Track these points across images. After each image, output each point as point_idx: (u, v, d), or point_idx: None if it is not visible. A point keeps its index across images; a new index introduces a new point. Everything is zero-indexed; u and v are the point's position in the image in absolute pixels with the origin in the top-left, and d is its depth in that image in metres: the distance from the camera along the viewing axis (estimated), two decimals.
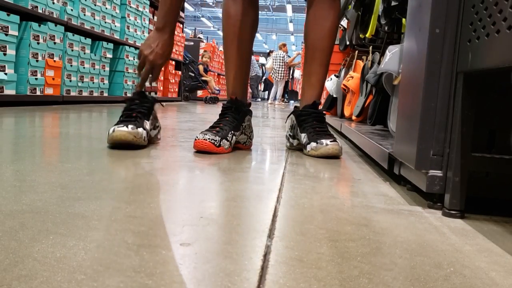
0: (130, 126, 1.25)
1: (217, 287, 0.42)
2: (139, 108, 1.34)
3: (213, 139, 1.29)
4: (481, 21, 0.67)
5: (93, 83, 3.98)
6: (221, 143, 1.30)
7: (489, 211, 0.81)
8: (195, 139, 1.30)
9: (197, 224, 0.61)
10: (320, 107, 1.50)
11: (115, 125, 1.27)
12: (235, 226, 0.61)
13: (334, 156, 1.38)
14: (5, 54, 2.78)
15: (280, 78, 10.05)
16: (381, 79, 1.79)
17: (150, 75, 1.42)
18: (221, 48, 9.76)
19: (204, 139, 1.28)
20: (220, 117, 1.42)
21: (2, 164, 0.94)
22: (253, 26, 1.52)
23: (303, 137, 1.45)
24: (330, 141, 1.37)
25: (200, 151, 1.31)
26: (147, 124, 1.35)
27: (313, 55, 1.54)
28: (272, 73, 10.20)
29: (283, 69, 10.00)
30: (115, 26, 4.39)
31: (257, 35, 27.63)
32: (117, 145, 1.26)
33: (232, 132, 1.36)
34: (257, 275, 0.45)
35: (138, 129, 1.27)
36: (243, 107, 1.44)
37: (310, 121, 1.46)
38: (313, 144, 1.38)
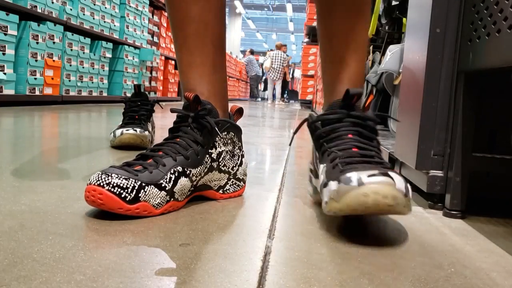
0: (138, 130, 1.28)
1: None
2: (141, 110, 1.37)
3: (117, 186, 0.59)
4: (481, 20, 0.67)
5: (92, 82, 3.97)
6: (139, 194, 0.61)
7: (490, 212, 0.80)
8: (87, 184, 0.60)
9: (196, 224, 0.61)
10: (364, 102, 0.70)
11: (121, 127, 1.28)
12: (235, 226, 0.61)
13: (387, 212, 0.56)
14: (4, 54, 2.78)
15: (277, 78, 10.33)
16: (381, 79, 1.79)
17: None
18: None
19: (101, 185, 0.59)
20: (168, 137, 0.72)
21: (1, 164, 0.93)
22: None
23: (321, 171, 0.67)
24: (375, 175, 0.55)
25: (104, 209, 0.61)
26: (150, 127, 1.38)
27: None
28: (271, 72, 10.39)
29: (281, 69, 10.29)
30: (115, 25, 4.39)
31: (257, 34, 27.66)
32: (122, 146, 1.28)
33: (180, 168, 0.66)
34: (257, 276, 0.45)
35: (145, 132, 1.30)
36: (215, 117, 0.72)
37: (340, 135, 0.67)
38: (332, 185, 0.59)
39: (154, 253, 0.49)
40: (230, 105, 0.82)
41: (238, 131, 0.79)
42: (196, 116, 0.71)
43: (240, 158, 0.79)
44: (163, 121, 2.47)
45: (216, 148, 0.73)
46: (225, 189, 0.77)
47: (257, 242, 0.55)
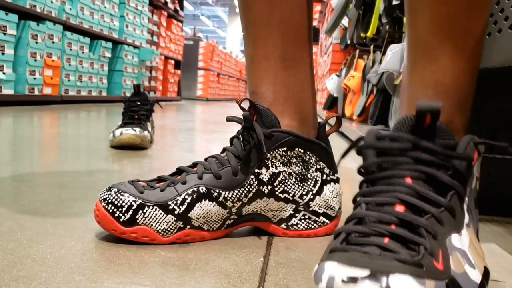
0: (137, 130, 1.27)
1: None
2: (140, 110, 1.36)
3: (111, 203, 0.51)
4: None
5: (92, 82, 3.97)
6: (136, 216, 0.51)
7: (490, 212, 0.80)
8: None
9: None
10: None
11: (120, 127, 1.28)
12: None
13: None
14: (3, 54, 2.78)
15: None
16: (382, 78, 1.79)
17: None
18: (221, 47, 9.74)
19: (101, 200, 0.52)
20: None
21: (1, 164, 0.93)
22: None
23: None
24: (358, 279, 0.29)
25: None
26: (149, 126, 1.37)
27: None
28: None
29: None
30: (114, 25, 4.38)
31: None
32: (121, 146, 1.27)
33: (204, 188, 0.53)
34: (257, 276, 0.45)
35: (144, 132, 1.29)
36: (271, 126, 0.56)
37: (392, 176, 0.38)
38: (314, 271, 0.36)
39: (153, 253, 0.49)
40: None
41: (315, 147, 0.57)
42: (245, 125, 0.56)
43: (318, 184, 0.58)
44: (163, 121, 2.47)
45: (268, 168, 0.55)
46: (290, 223, 0.58)
47: (257, 243, 0.55)
